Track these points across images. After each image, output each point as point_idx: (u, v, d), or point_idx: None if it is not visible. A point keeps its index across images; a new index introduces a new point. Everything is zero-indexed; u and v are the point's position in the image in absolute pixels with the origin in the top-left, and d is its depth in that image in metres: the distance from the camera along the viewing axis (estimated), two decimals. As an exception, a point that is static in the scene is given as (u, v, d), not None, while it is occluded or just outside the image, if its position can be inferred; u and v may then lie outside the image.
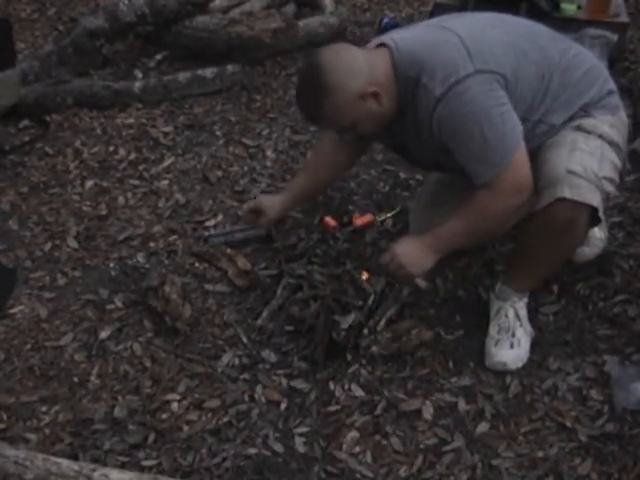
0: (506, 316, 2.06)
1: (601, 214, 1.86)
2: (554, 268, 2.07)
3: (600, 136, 1.90)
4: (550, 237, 1.89)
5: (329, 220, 2.52)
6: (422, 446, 1.85)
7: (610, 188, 1.88)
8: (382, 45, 1.91)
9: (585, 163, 1.83)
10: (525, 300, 2.09)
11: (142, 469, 1.81)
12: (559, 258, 2.00)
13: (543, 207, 1.85)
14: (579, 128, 1.91)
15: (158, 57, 3.73)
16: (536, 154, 1.90)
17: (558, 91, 1.90)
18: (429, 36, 1.90)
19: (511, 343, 2.03)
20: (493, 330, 2.07)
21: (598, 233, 2.28)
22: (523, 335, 2.04)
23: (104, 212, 2.73)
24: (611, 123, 1.94)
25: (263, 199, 2.42)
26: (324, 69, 1.82)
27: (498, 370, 2.01)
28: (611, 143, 1.91)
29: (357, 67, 1.83)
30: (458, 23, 1.91)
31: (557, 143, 1.90)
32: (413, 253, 1.95)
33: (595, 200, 1.82)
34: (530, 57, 1.88)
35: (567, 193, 1.82)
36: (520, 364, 2.02)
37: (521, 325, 2.05)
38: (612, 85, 2.00)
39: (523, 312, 2.07)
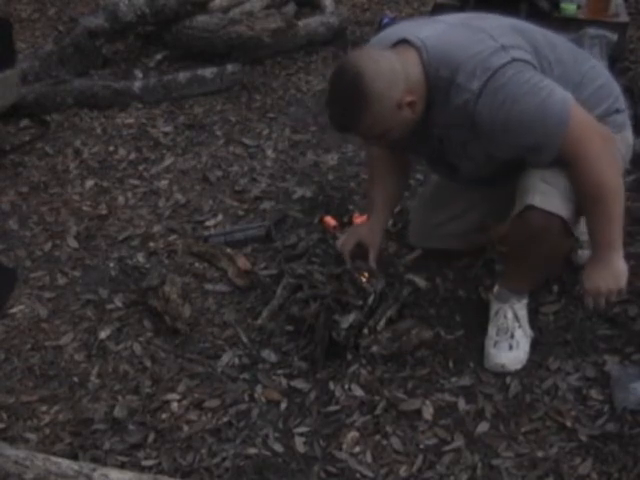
0: (505, 317, 2.06)
1: (571, 227, 1.84)
2: (547, 271, 2.05)
3: None
4: (527, 244, 1.89)
5: (329, 220, 2.52)
6: (422, 446, 1.85)
7: (574, 206, 1.84)
8: (405, 42, 1.84)
9: (559, 177, 1.82)
10: (524, 301, 2.08)
11: (142, 469, 1.81)
12: (544, 263, 1.97)
13: (516, 214, 1.86)
14: None
15: (158, 57, 3.74)
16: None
17: None
18: (458, 35, 1.85)
19: (510, 345, 2.03)
20: (492, 331, 2.07)
21: None
22: (522, 337, 2.04)
23: (104, 212, 2.73)
24: None
25: (359, 233, 2.22)
26: (367, 78, 1.73)
27: (497, 372, 2.01)
28: None
29: (396, 75, 1.76)
30: (482, 24, 1.87)
31: None
32: (606, 274, 1.85)
33: (564, 211, 1.81)
34: (551, 68, 1.86)
35: (537, 201, 1.82)
36: (519, 366, 2.01)
37: (520, 326, 2.05)
38: (621, 104, 1.97)
39: (522, 313, 2.07)
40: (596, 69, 1.97)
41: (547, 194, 1.82)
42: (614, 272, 1.85)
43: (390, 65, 1.77)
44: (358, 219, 2.52)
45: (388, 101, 1.75)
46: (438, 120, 1.86)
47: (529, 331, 2.07)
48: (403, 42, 1.84)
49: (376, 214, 2.21)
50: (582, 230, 2.26)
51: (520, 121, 1.75)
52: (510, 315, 2.05)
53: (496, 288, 2.10)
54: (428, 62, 1.79)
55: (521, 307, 2.07)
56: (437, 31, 1.87)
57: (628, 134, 1.99)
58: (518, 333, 2.03)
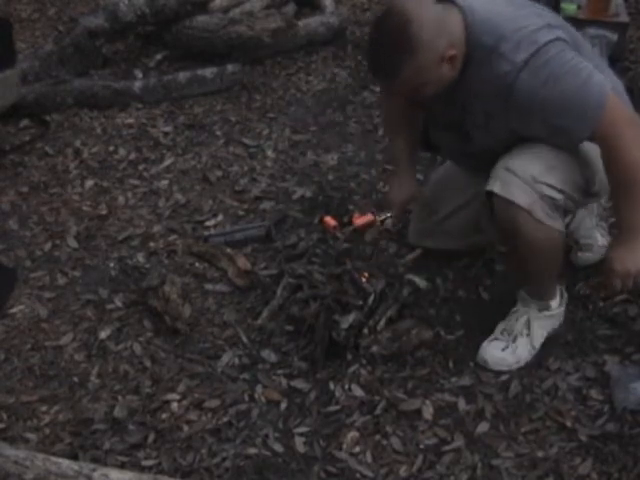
0: (516, 320, 2.04)
1: (539, 216, 1.81)
2: (545, 268, 1.98)
3: (574, 150, 1.86)
4: (506, 240, 1.90)
5: (329, 220, 2.51)
6: (422, 446, 1.85)
7: (555, 195, 1.82)
8: (449, 2, 1.78)
9: (528, 166, 1.81)
10: (547, 313, 2.03)
11: (142, 469, 1.81)
12: (534, 257, 1.91)
13: (486, 206, 1.88)
14: None
15: (158, 57, 3.73)
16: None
17: None
18: (504, 6, 1.83)
19: (506, 345, 2.02)
20: (498, 328, 2.07)
21: (600, 240, 2.28)
22: (524, 345, 2.02)
23: (104, 212, 2.73)
24: None
25: (395, 194, 2.23)
26: (415, 25, 1.68)
27: (481, 365, 2.02)
28: (585, 161, 1.87)
29: (442, 27, 1.73)
30: (526, 3, 1.86)
31: (527, 144, 1.86)
32: (635, 256, 1.81)
33: (523, 200, 1.79)
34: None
35: (497, 188, 1.82)
36: (504, 368, 2.00)
37: (528, 335, 2.02)
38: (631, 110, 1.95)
39: (537, 325, 2.03)
40: (610, 76, 1.95)
41: (509, 183, 1.81)
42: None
43: (437, 16, 1.74)
44: (358, 219, 2.51)
45: (432, 52, 1.72)
46: (469, 86, 1.83)
47: (536, 345, 2.04)
48: (447, 1, 1.79)
49: (403, 165, 2.22)
50: (583, 234, 2.27)
51: (560, 100, 1.73)
52: (522, 320, 2.04)
53: (519, 290, 2.08)
54: (472, 25, 1.76)
55: (539, 318, 2.03)
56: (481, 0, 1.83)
57: None
58: (521, 340, 2.02)
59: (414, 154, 2.26)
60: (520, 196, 1.80)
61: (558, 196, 1.83)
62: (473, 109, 1.88)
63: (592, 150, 1.84)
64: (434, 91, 1.83)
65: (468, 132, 1.95)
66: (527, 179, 1.80)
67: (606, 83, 1.76)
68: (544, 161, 1.82)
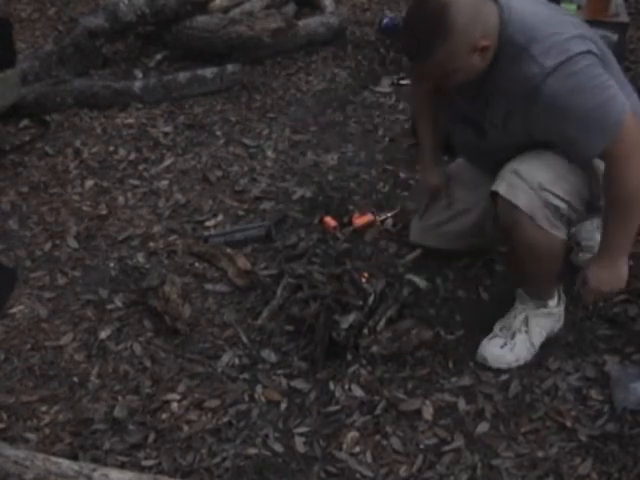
0: (514, 317, 2.05)
1: (541, 222, 1.82)
2: (544, 269, 1.98)
3: (586, 166, 1.87)
4: (507, 241, 1.91)
5: (329, 220, 2.52)
6: (422, 446, 1.85)
7: (560, 204, 1.83)
8: None
9: (535, 171, 1.82)
10: (544, 310, 2.04)
11: (142, 469, 1.81)
12: (532, 259, 1.92)
13: (491, 206, 1.89)
14: None
15: (158, 57, 3.73)
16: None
17: None
18: (540, 8, 1.84)
19: (504, 343, 2.02)
20: (497, 326, 2.07)
21: None
22: (522, 342, 2.02)
23: (104, 212, 2.73)
24: None
25: (431, 180, 2.29)
26: (453, 9, 1.69)
27: (480, 362, 2.02)
28: (595, 176, 1.88)
29: (478, 16, 1.73)
30: (563, 10, 1.88)
31: (539, 151, 1.87)
32: (608, 276, 1.87)
33: (526, 205, 1.81)
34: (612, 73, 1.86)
35: (502, 189, 1.83)
36: (503, 366, 2.01)
37: (526, 332, 2.03)
38: None
39: (535, 322, 2.04)
40: (632, 91, 1.96)
41: (515, 186, 1.82)
42: (618, 274, 1.86)
43: (475, 4, 1.74)
44: (358, 219, 2.52)
45: (466, 39, 1.72)
46: (496, 81, 1.83)
47: (535, 342, 2.04)
48: None
49: (430, 154, 2.28)
50: (584, 236, 2.27)
51: (581, 112, 1.74)
52: (520, 318, 2.04)
53: (517, 288, 2.09)
54: (506, 21, 1.77)
55: (537, 315, 2.04)
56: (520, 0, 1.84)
57: None
58: (520, 337, 2.02)
59: (439, 140, 2.28)
60: (523, 200, 1.81)
61: (562, 205, 1.84)
62: (495, 105, 1.88)
63: (602, 166, 1.85)
64: (463, 79, 1.82)
65: (484, 128, 1.95)
66: (533, 185, 1.81)
67: (627, 105, 1.76)
68: (553, 170, 1.83)
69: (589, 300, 1.95)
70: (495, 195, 1.86)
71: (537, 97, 1.76)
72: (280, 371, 2.06)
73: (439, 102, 2.10)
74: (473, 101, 1.92)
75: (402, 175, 2.80)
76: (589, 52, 1.75)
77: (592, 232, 2.27)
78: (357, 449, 1.84)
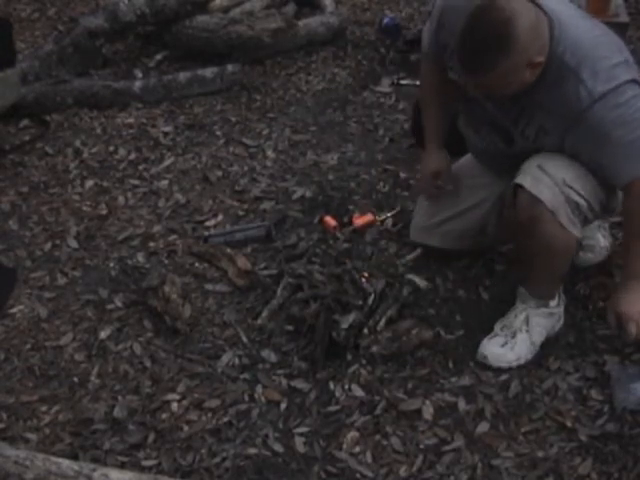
0: (515, 317, 2.05)
1: (562, 219, 1.83)
2: (553, 270, 2.00)
3: None
4: (523, 237, 1.91)
5: (329, 220, 2.52)
6: (422, 446, 1.85)
7: (580, 201, 1.84)
8: (539, 7, 1.75)
9: (560, 169, 1.83)
10: (545, 310, 2.04)
11: (142, 469, 1.81)
12: (546, 259, 1.94)
13: (510, 199, 1.89)
14: None
15: (158, 57, 3.73)
16: None
17: None
18: (593, 30, 1.83)
19: (505, 342, 2.02)
20: (497, 326, 2.07)
21: (602, 242, 2.29)
22: (523, 341, 2.02)
23: (104, 212, 2.73)
24: None
25: (430, 165, 2.25)
26: (519, 24, 1.67)
27: (480, 361, 2.02)
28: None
29: (538, 32, 1.71)
30: (605, 28, 1.86)
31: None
32: (637, 302, 1.86)
33: (550, 199, 1.81)
34: None
35: (527, 183, 1.83)
36: (504, 364, 2.01)
37: (527, 331, 2.03)
38: None
39: (536, 322, 2.03)
40: None
41: (539, 180, 1.83)
42: None
43: (535, 19, 1.72)
44: (358, 219, 2.52)
45: (526, 55, 1.71)
46: (537, 97, 1.83)
47: (536, 342, 2.04)
48: (534, 3, 1.76)
49: (434, 140, 2.25)
50: (585, 234, 2.26)
51: (617, 143, 1.77)
52: (521, 317, 2.04)
53: (519, 287, 2.09)
54: (557, 39, 1.75)
55: (538, 315, 2.04)
56: (568, 11, 1.82)
57: None
58: (520, 336, 2.02)
59: (443, 128, 2.26)
60: (547, 195, 1.82)
61: (583, 203, 1.85)
62: (530, 118, 1.88)
63: None
64: (512, 92, 1.81)
65: (513, 137, 1.96)
66: (557, 180, 1.82)
67: None
68: (575, 169, 1.84)
69: (633, 331, 1.86)
70: (517, 188, 1.85)
71: (582, 121, 1.77)
72: (280, 371, 2.06)
73: (468, 104, 2.08)
74: (507, 110, 1.92)
75: (402, 175, 2.80)
76: (634, 81, 1.77)
77: (593, 231, 2.27)
78: (357, 449, 1.84)
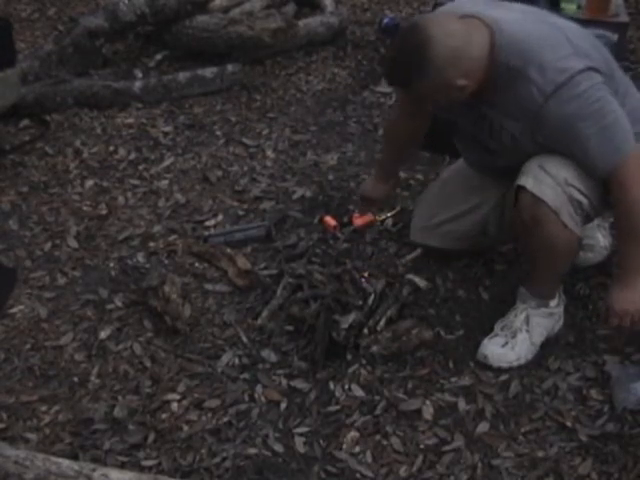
0: (515, 316, 2.05)
1: (565, 219, 1.83)
2: (554, 270, 2.00)
3: None
4: (526, 237, 1.92)
5: (329, 220, 2.51)
6: (422, 446, 1.85)
7: (582, 200, 1.84)
8: (477, 19, 1.80)
9: (561, 168, 1.83)
10: (545, 310, 2.04)
11: (142, 469, 1.81)
12: (548, 258, 1.94)
13: (513, 200, 1.89)
14: None
15: (158, 57, 3.73)
16: None
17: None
18: (534, 28, 1.83)
19: (505, 342, 2.02)
20: (498, 326, 2.07)
21: (602, 241, 2.29)
22: (523, 341, 2.02)
23: (104, 212, 2.73)
24: None
25: (366, 189, 2.38)
26: (432, 49, 1.72)
27: (481, 361, 2.02)
28: None
29: (459, 57, 1.75)
30: (557, 22, 1.87)
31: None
32: (633, 297, 1.86)
33: (552, 199, 1.81)
34: (616, 82, 1.86)
35: (529, 184, 1.83)
36: (504, 365, 2.01)
37: (527, 331, 2.03)
38: None
39: (537, 321, 2.04)
40: (636, 93, 1.97)
41: (541, 181, 1.83)
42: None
43: (458, 45, 1.75)
44: (358, 219, 2.52)
45: (443, 78, 1.75)
46: (498, 106, 1.86)
47: (536, 342, 2.04)
48: (474, 18, 1.81)
49: (380, 171, 2.35)
50: (584, 234, 2.26)
51: (582, 137, 1.77)
52: (521, 317, 2.04)
53: (519, 287, 2.09)
54: (499, 47, 1.77)
55: (538, 315, 2.04)
56: (512, 17, 1.84)
57: None
58: (521, 336, 2.02)
59: (398, 166, 2.38)
60: (550, 196, 1.82)
61: (584, 201, 1.85)
62: (500, 128, 1.90)
63: None
64: (444, 105, 1.91)
65: (493, 148, 1.98)
66: (560, 180, 1.82)
67: (629, 133, 1.78)
68: (574, 167, 1.84)
69: (614, 322, 1.90)
70: (520, 190, 1.85)
71: (541, 119, 1.78)
72: (280, 371, 2.06)
73: (448, 122, 2.10)
74: (477, 124, 1.95)
75: (402, 175, 2.79)
76: (588, 69, 1.75)
77: (593, 230, 2.27)
78: (357, 449, 1.84)
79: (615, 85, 1.85)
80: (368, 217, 2.52)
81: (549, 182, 1.82)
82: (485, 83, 1.81)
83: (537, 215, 1.84)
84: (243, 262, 2.38)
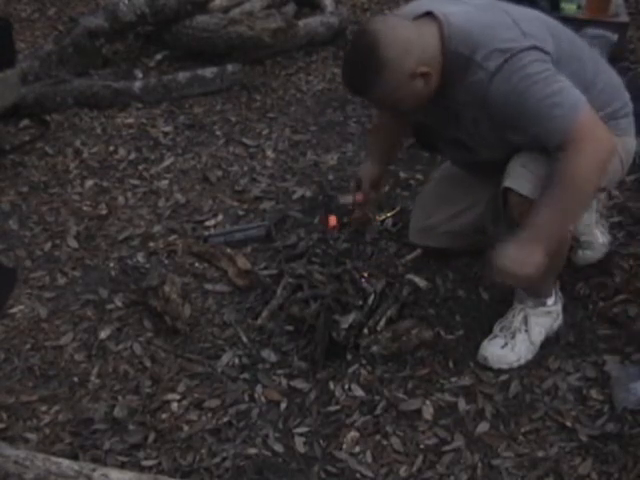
0: (513, 317, 2.05)
1: None
2: (549, 268, 1.97)
3: None
4: (513, 232, 1.88)
5: (329, 220, 2.51)
6: (422, 446, 1.85)
7: None
8: (429, 15, 1.83)
9: (542, 165, 1.81)
10: (543, 310, 2.04)
11: (142, 469, 1.81)
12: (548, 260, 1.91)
13: (502, 202, 1.88)
14: None
15: (158, 57, 3.73)
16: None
17: None
18: (482, 16, 1.85)
19: (505, 343, 2.02)
20: (496, 327, 2.07)
21: (601, 238, 2.28)
22: (522, 341, 2.02)
23: (104, 212, 2.73)
24: None
25: (361, 171, 2.33)
26: (381, 44, 1.74)
27: (481, 363, 2.02)
28: None
29: (411, 44, 1.77)
30: (508, 8, 1.87)
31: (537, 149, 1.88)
32: (517, 256, 1.77)
33: (533, 192, 1.79)
34: (568, 61, 1.85)
35: (514, 184, 1.83)
36: (504, 366, 2.01)
37: (526, 331, 2.03)
38: (629, 110, 1.97)
39: (534, 321, 2.03)
40: (609, 73, 1.97)
41: (524, 178, 1.82)
42: (531, 260, 1.76)
43: (407, 35, 1.78)
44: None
45: (400, 70, 1.76)
46: (455, 96, 1.86)
47: (535, 341, 2.04)
48: (427, 15, 1.84)
49: (372, 158, 2.30)
50: (582, 231, 2.27)
51: (528, 110, 1.75)
52: (519, 317, 2.04)
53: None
54: (448, 37, 1.79)
55: (536, 314, 2.04)
56: (462, 9, 1.86)
57: (630, 140, 1.98)
58: (520, 337, 2.02)
59: (388, 157, 2.35)
60: (535, 192, 1.81)
61: None
62: (464, 120, 1.90)
63: (620, 150, 1.86)
64: (414, 105, 1.88)
65: (468, 144, 1.97)
66: (542, 176, 1.81)
67: (580, 101, 1.75)
68: None
69: (493, 278, 1.84)
70: (507, 191, 1.85)
71: (488, 101, 1.78)
72: (280, 371, 2.06)
73: (418, 129, 2.14)
74: (446, 122, 1.95)
75: (402, 175, 2.80)
76: (533, 48, 1.75)
77: (590, 227, 2.27)
78: (357, 449, 1.84)
79: (578, 65, 1.85)
80: (358, 196, 2.43)
81: (532, 179, 1.81)
82: (444, 77, 1.82)
83: (526, 213, 1.82)
84: (243, 262, 2.38)
